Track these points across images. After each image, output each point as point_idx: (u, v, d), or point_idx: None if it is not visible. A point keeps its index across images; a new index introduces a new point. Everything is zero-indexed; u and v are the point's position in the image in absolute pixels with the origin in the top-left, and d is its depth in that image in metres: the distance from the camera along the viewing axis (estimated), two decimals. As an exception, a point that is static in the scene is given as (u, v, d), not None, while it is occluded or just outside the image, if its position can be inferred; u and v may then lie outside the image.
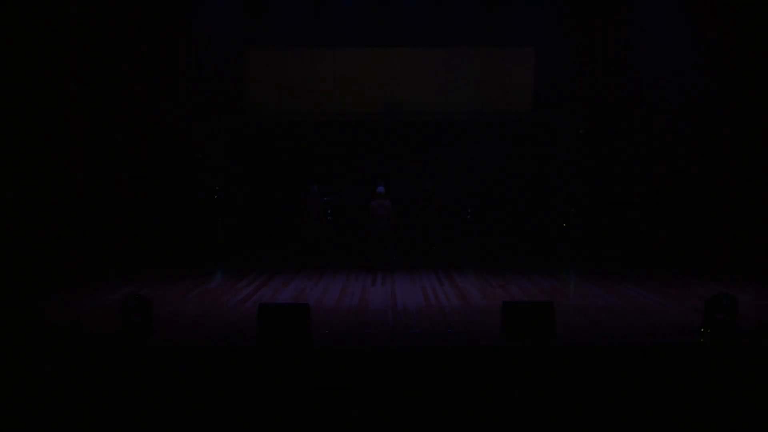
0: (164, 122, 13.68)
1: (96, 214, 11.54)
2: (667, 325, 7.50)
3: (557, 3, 14.08)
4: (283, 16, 13.94)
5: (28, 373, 6.29)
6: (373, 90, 14.69)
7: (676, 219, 12.77)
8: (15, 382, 6.19)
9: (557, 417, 6.60)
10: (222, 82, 14.36)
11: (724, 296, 6.92)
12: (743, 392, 6.62)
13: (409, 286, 10.26)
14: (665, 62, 12.75)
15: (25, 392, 6.20)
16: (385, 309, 8.54)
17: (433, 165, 14.95)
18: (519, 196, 14.73)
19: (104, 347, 6.71)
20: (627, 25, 13.85)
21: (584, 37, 14.59)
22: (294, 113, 14.59)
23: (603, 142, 14.54)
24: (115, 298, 8.86)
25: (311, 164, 14.50)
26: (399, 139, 14.81)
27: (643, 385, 6.65)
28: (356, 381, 6.58)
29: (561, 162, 15.00)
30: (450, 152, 14.96)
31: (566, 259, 13.15)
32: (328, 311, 8.44)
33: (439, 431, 6.49)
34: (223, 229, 14.42)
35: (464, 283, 10.49)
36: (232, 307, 8.69)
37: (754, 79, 10.75)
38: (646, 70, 13.22)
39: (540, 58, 14.77)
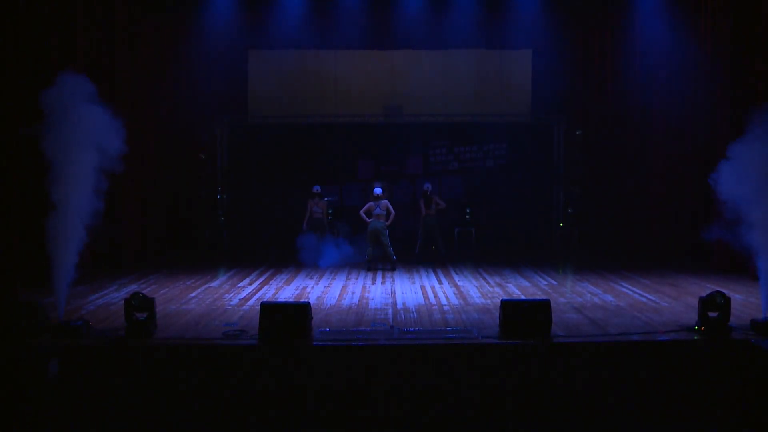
0: (168, 123, 13.80)
1: (100, 212, 11.63)
2: (663, 323, 7.60)
3: (555, 7, 14.20)
4: (285, 20, 14.05)
5: (33, 370, 6.37)
6: (374, 92, 14.82)
7: (671, 219, 12.89)
8: (19, 380, 6.27)
9: (555, 413, 6.71)
10: (225, 84, 14.49)
11: (718, 294, 7.03)
12: (736, 388, 6.74)
13: (408, 285, 10.35)
14: (661, 65, 12.87)
15: (29, 390, 6.28)
16: (385, 307, 8.64)
17: (433, 166, 15.10)
18: (517, 196, 14.87)
19: (109, 345, 6.81)
20: (623, 30, 13.98)
21: (581, 41, 14.74)
22: (295, 114, 14.72)
23: (600, 143, 14.68)
24: (119, 297, 9.00)
25: (313, 165, 14.64)
26: (399, 141, 14.93)
27: (639, 382, 6.77)
28: (356, 378, 6.69)
29: (558, 162, 15.14)
30: (449, 153, 15.09)
31: (563, 258, 13.27)
32: (329, 309, 8.55)
33: (438, 428, 6.60)
34: (226, 229, 14.55)
35: (463, 282, 10.59)
36: (234, 305, 8.79)
37: (748, 83, 10.85)
38: (641, 72, 13.34)
39: (537, 61, 14.92)
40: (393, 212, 11.89)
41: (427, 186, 12.86)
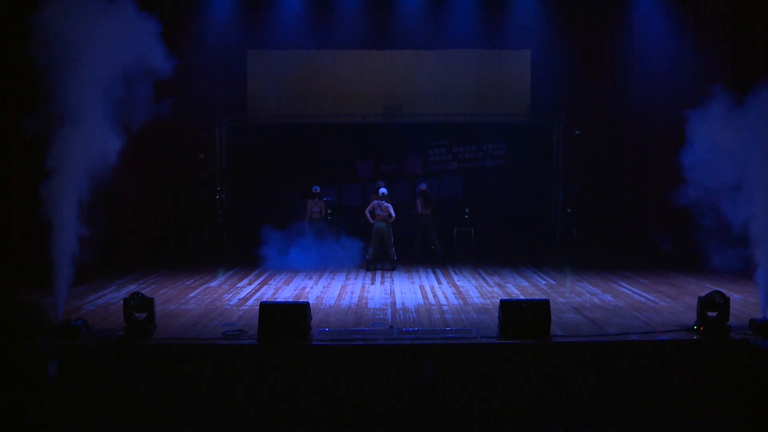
0: (167, 123, 13.77)
1: (99, 212, 11.63)
2: (662, 323, 7.61)
3: (554, 7, 14.20)
4: (285, 20, 14.05)
5: (32, 370, 6.37)
6: (373, 92, 14.82)
7: (670, 219, 12.88)
8: (19, 380, 6.27)
9: (554, 413, 6.71)
10: (224, 84, 14.48)
11: (717, 294, 7.04)
12: (735, 388, 6.74)
13: (408, 285, 10.35)
14: (660, 64, 12.87)
15: (28, 390, 6.28)
16: (384, 308, 8.65)
17: (432, 165, 15.10)
18: (516, 196, 14.87)
19: (108, 345, 6.81)
20: (622, 30, 13.98)
21: (580, 41, 14.73)
22: (295, 114, 14.72)
23: (599, 143, 14.67)
24: (118, 297, 9.00)
25: (312, 165, 14.63)
26: (399, 141, 14.93)
27: (638, 382, 6.77)
28: (356, 378, 6.70)
29: (557, 162, 15.13)
30: (448, 153, 15.08)
31: (563, 258, 13.26)
32: (328, 309, 8.55)
33: (438, 428, 6.60)
34: (225, 229, 14.54)
35: (462, 282, 10.59)
36: (233, 305, 8.79)
37: (748, 82, 10.85)
38: (640, 72, 13.34)
39: (536, 61, 14.92)
40: (393, 215, 11.80)
41: (424, 185, 12.86)
